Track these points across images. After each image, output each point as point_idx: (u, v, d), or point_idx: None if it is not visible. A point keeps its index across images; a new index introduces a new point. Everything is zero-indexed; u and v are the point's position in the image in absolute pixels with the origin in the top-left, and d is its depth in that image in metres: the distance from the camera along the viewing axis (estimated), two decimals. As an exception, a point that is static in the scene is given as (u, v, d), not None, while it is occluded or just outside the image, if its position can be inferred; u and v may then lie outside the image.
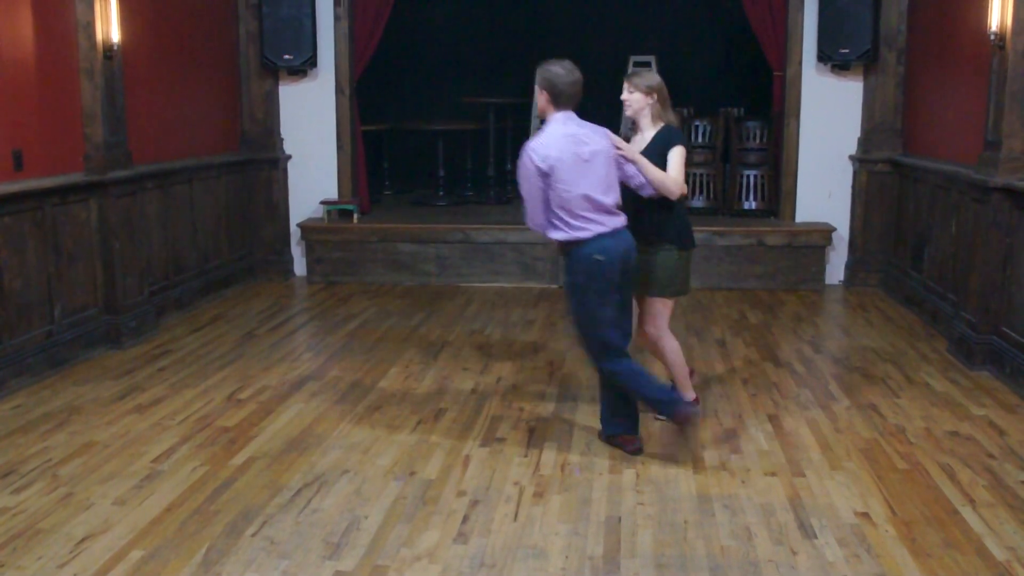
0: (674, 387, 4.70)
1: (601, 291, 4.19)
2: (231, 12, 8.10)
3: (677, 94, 9.66)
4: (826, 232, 7.98)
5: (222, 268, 7.80)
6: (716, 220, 8.43)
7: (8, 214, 5.20)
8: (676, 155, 4.44)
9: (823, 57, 7.89)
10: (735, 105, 9.09)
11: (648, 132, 4.55)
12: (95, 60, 5.88)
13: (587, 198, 4.14)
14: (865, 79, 7.96)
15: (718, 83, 10.24)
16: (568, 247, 4.23)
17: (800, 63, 8.08)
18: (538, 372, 5.65)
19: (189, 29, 7.36)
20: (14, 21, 5.35)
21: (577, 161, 4.14)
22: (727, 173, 8.83)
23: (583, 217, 4.15)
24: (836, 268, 8.18)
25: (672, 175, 4.41)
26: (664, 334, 4.65)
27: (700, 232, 7.91)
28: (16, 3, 5.36)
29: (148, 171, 6.54)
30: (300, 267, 8.46)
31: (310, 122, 8.36)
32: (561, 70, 4.21)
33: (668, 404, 4.28)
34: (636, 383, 4.29)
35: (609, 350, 4.25)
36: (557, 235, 4.22)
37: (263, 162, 8.31)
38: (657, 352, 4.78)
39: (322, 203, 8.33)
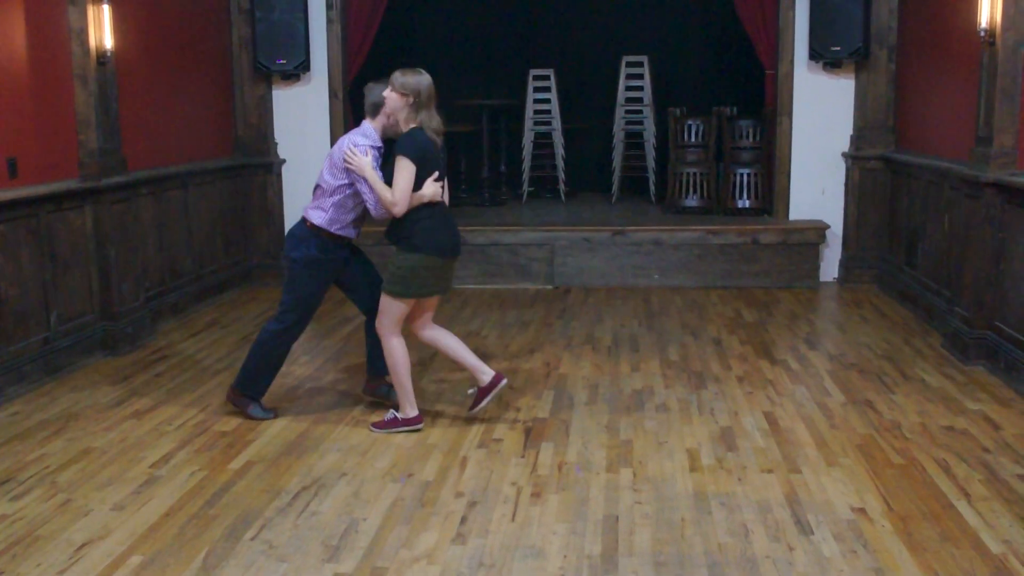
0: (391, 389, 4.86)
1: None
2: (224, 17, 8.11)
3: (670, 93, 9.91)
4: (820, 229, 8.01)
5: (218, 273, 7.81)
6: (710, 219, 8.46)
7: (3, 221, 5.20)
8: (397, 167, 4.31)
9: (815, 55, 7.92)
10: (727, 104, 9.10)
11: None
12: (88, 66, 5.88)
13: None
14: (857, 76, 7.99)
15: (710, 82, 10.28)
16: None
17: (792, 61, 8.10)
18: (534, 373, 5.66)
19: (182, 35, 7.36)
20: (7, 28, 5.36)
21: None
22: (720, 172, 8.86)
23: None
24: (830, 265, 8.20)
25: (384, 191, 4.35)
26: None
27: (694, 231, 8.07)
28: (8, 10, 5.37)
29: (143, 177, 6.54)
30: (296, 271, 8.45)
31: (304, 126, 8.37)
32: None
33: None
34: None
35: None
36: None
37: (257, 167, 8.31)
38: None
39: (317, 207, 8.33)
